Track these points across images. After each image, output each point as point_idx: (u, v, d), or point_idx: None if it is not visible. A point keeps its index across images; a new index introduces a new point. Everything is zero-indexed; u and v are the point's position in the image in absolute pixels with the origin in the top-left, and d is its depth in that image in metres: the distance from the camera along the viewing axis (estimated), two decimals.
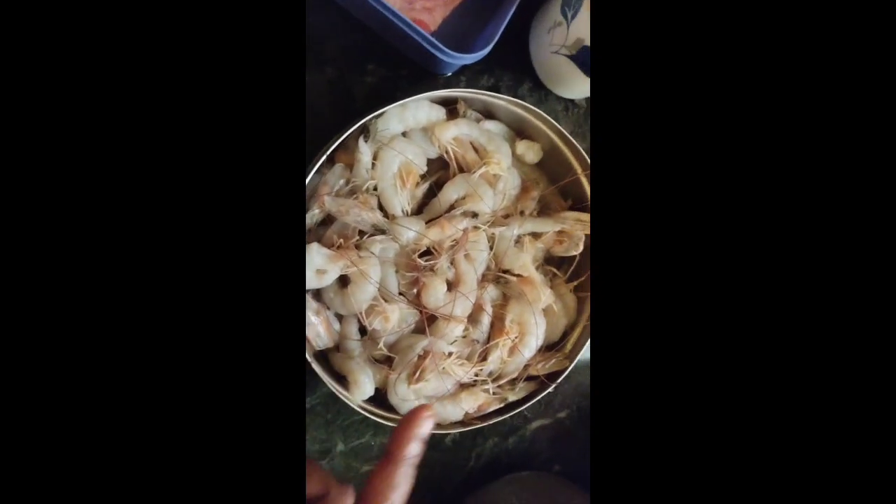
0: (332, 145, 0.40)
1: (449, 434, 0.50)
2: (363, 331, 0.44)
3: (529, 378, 0.47)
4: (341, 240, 0.41)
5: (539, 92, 0.50)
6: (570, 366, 0.46)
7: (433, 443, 0.47)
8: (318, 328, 0.43)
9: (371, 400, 0.43)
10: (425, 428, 0.27)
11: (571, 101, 0.51)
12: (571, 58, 0.44)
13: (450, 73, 0.48)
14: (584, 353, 0.56)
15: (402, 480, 0.25)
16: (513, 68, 0.50)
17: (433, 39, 0.41)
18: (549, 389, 0.45)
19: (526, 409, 0.45)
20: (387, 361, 0.44)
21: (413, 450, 0.26)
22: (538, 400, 0.45)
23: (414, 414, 0.27)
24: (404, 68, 0.47)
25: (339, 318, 0.44)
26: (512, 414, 0.45)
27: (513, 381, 0.46)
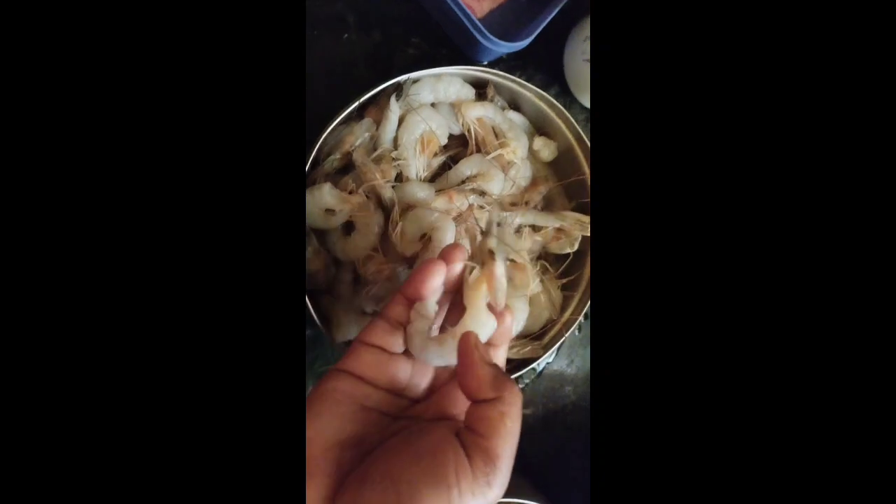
0: (364, 96, 0.42)
1: None
2: (356, 282, 0.46)
3: None
4: (354, 185, 0.43)
5: (565, 98, 0.53)
6: (543, 354, 0.48)
7: None
8: (316, 268, 0.45)
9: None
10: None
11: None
12: None
13: (486, 62, 0.51)
14: (561, 361, 0.58)
15: None
16: (545, 71, 0.53)
17: (478, 23, 0.44)
18: (524, 371, 0.47)
19: None
20: (372, 315, 0.46)
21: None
22: None
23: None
24: (445, 48, 0.50)
25: (337, 265, 0.46)
26: None
27: None
